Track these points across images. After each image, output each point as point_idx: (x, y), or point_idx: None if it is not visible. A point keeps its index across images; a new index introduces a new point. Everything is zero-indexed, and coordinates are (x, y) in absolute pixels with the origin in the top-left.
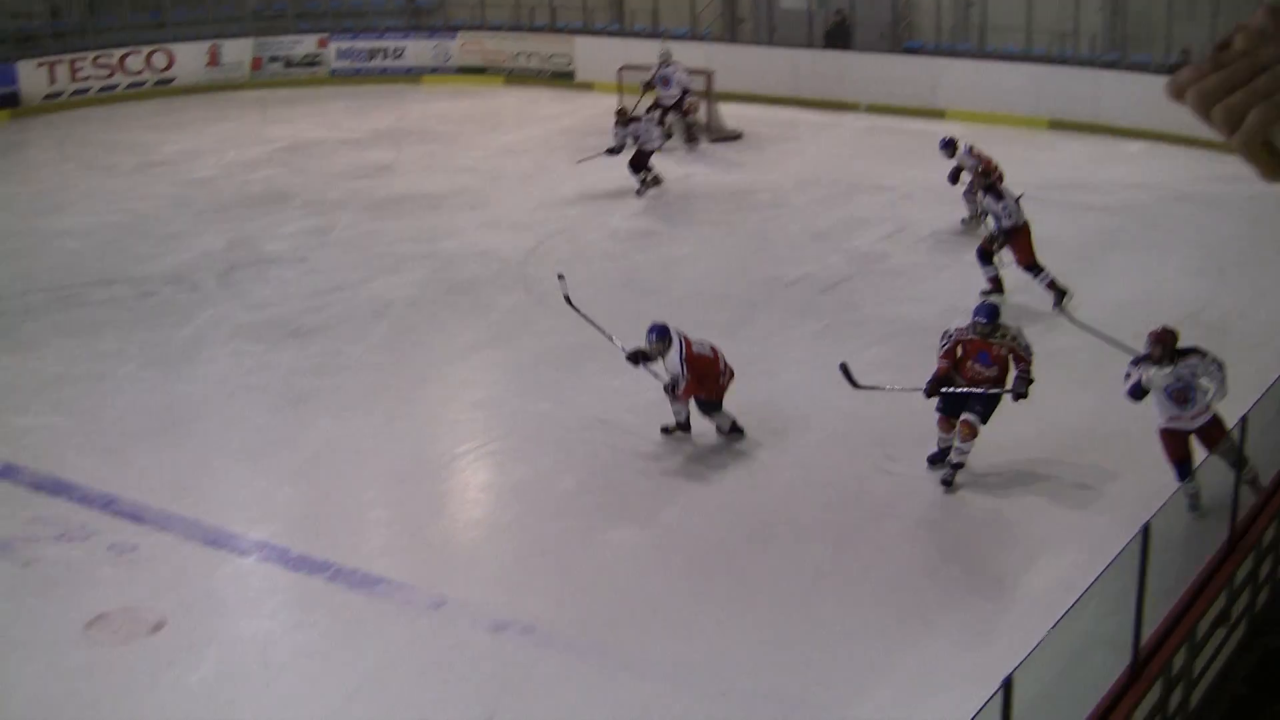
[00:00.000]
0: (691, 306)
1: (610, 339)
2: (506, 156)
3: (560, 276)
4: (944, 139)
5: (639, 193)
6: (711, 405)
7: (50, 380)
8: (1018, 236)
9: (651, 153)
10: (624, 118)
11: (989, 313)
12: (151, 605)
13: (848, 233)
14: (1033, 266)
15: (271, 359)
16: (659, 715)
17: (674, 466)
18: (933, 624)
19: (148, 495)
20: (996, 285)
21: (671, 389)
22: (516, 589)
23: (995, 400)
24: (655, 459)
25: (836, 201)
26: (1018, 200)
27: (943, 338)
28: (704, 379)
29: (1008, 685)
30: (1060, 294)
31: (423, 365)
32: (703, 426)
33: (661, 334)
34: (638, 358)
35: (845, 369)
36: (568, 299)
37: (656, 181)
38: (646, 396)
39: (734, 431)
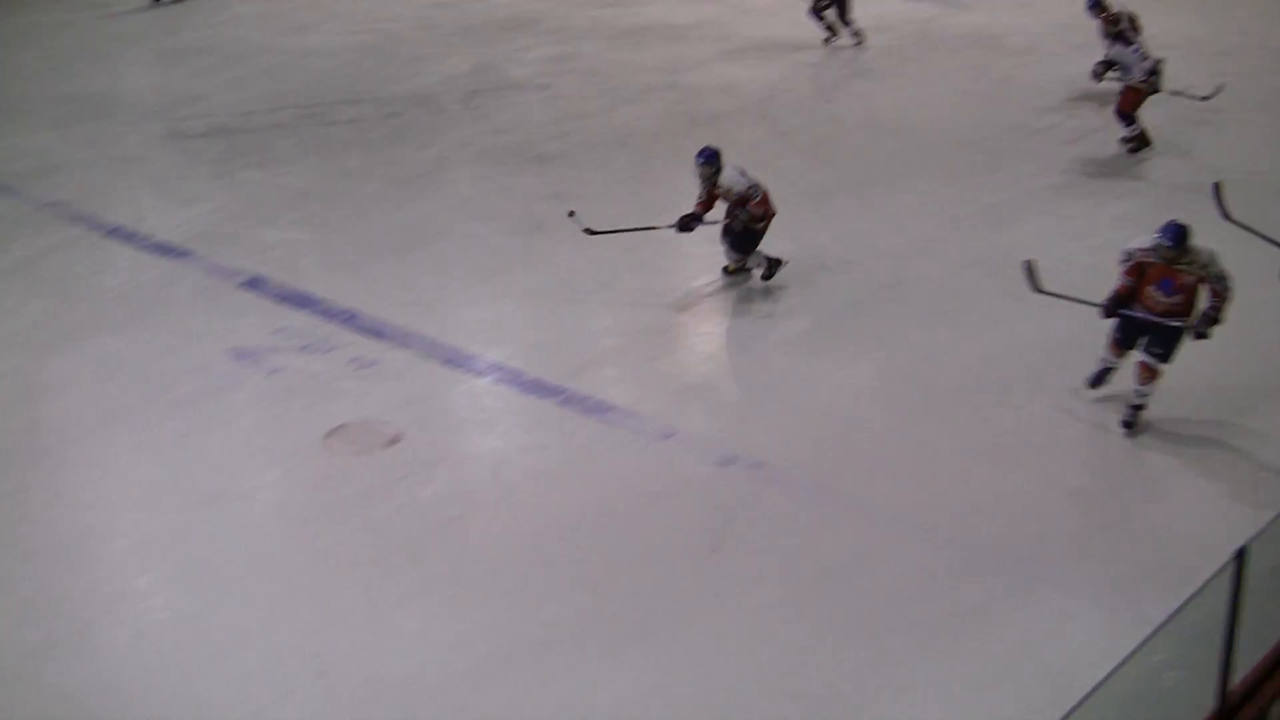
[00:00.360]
0: (936, 149)
1: (652, 228)
2: None
3: (571, 214)
4: None
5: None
6: (753, 239)
7: (297, 196)
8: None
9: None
10: None
11: (1175, 235)
12: (388, 420)
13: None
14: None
15: (512, 183)
16: (884, 559)
17: (905, 308)
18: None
19: (388, 312)
20: (1141, 140)
21: (742, 204)
22: (746, 424)
23: (1177, 336)
24: (890, 298)
25: (1091, 50)
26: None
27: (1123, 256)
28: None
29: (1240, 555)
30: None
31: (663, 197)
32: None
33: (711, 158)
34: (687, 223)
35: (1029, 267)
36: (590, 230)
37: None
38: (888, 240)
39: (773, 267)
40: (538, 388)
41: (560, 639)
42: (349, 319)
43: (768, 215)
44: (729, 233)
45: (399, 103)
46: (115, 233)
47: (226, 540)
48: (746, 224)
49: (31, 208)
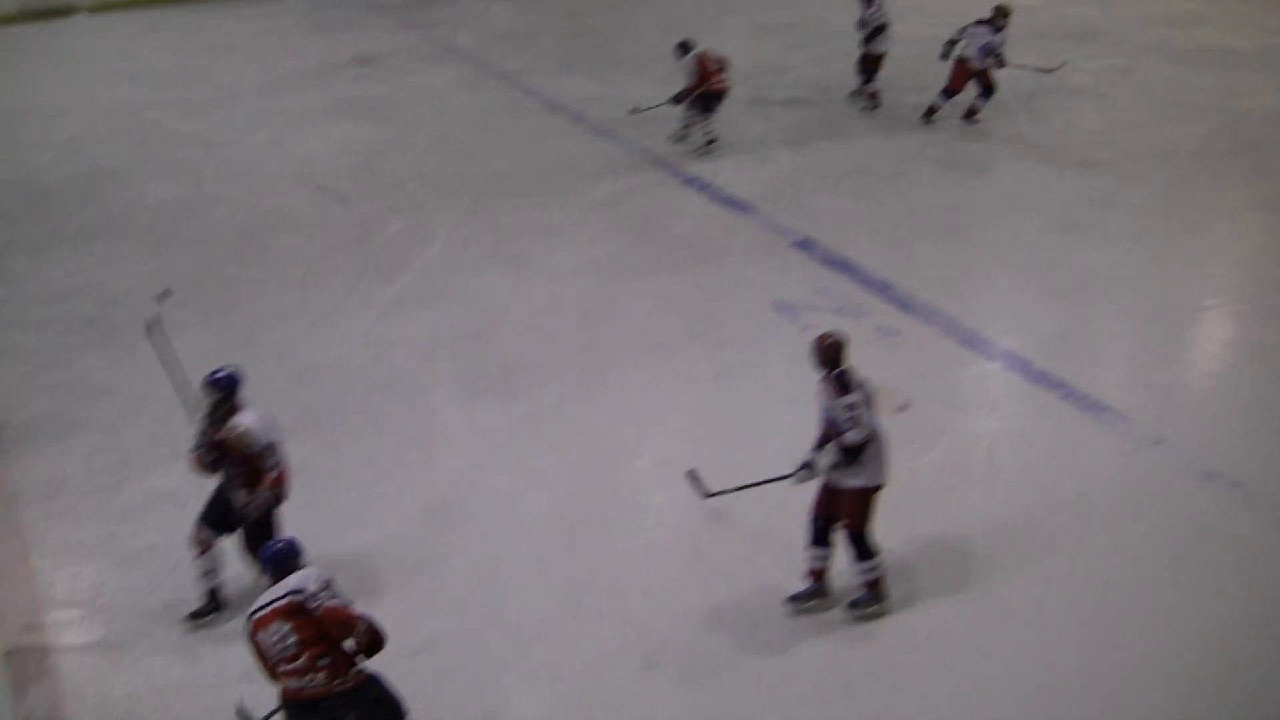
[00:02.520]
0: None
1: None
2: None
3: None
4: None
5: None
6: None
7: (856, 169)
8: None
9: None
10: None
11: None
12: (902, 387)
13: None
14: None
15: (1054, 183)
16: None
17: None
18: None
19: (919, 288)
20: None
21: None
22: (1236, 442)
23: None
24: None
25: None
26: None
27: None
28: None
29: None
30: None
31: (1194, 215)
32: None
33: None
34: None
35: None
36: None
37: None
38: None
39: None
40: (1043, 379)
41: (1019, 612)
42: (883, 289)
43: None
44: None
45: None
46: (691, 182)
47: (739, 472)
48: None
49: (624, 151)
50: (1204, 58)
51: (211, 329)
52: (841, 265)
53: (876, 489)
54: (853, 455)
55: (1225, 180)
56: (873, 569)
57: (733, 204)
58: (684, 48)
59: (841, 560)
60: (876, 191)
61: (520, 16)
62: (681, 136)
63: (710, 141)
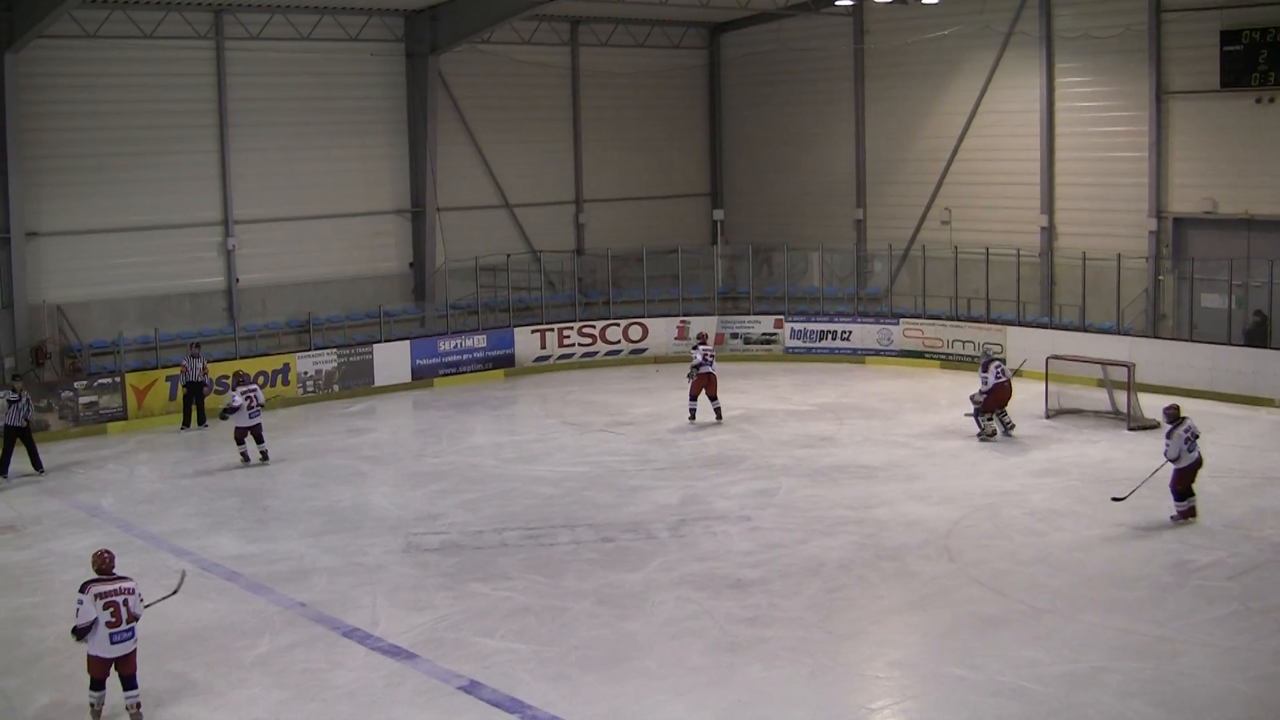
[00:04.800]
0: (1101, 585)
1: None
2: (939, 435)
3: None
4: None
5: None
6: None
7: (516, 609)
8: None
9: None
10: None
11: None
12: None
13: (1259, 521)
14: None
15: (712, 606)
16: None
17: None
18: None
19: None
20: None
21: None
22: None
23: None
24: None
25: (1248, 492)
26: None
27: None
28: None
29: None
30: None
31: (849, 623)
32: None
33: None
34: None
35: None
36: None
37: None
38: (1057, 669)
39: None
40: None
41: None
42: None
43: None
44: None
45: (614, 528)
46: (352, 633)
47: None
48: None
49: (281, 607)
50: (838, 473)
51: None
52: (511, 705)
53: None
54: None
55: (874, 587)
56: None
57: (395, 652)
58: None
59: None
60: (538, 630)
61: (165, 479)
62: None
63: None
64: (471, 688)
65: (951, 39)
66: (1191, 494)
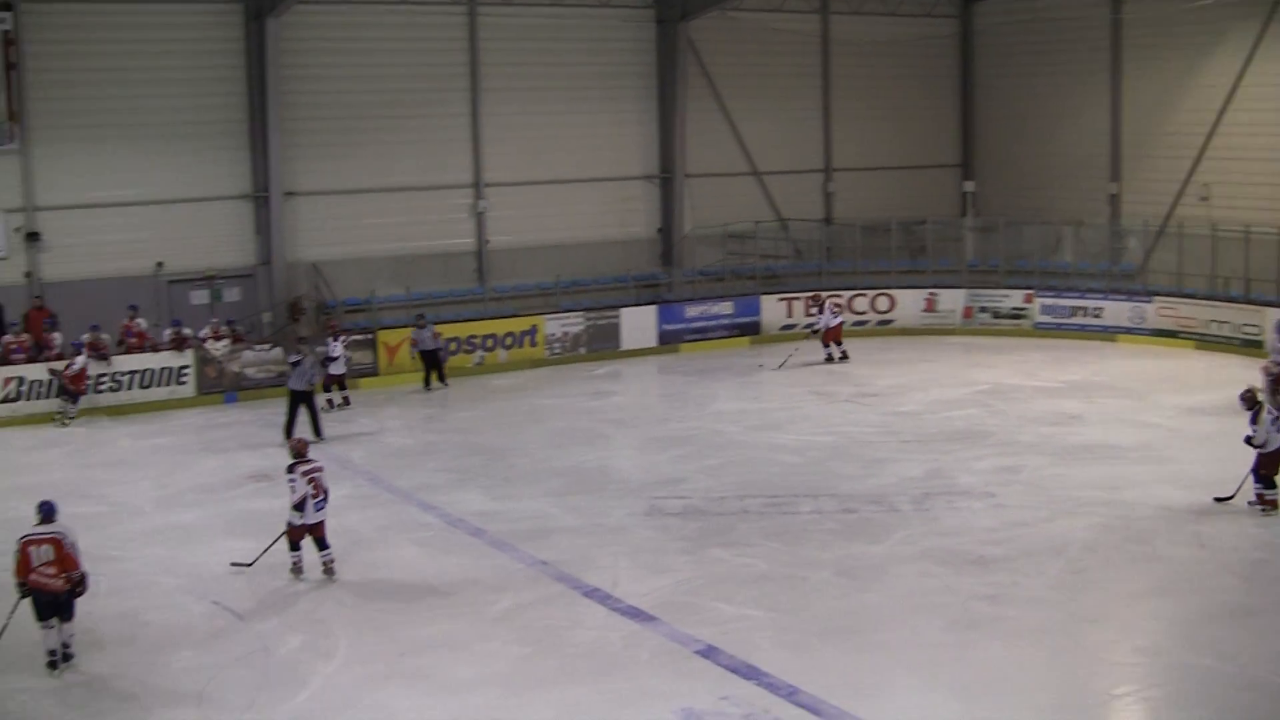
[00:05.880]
0: None
1: None
2: (1191, 416)
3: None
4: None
5: None
6: None
7: (756, 576)
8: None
9: None
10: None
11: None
12: None
13: None
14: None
15: (953, 582)
16: None
17: None
18: None
19: (826, 691)
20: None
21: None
22: None
23: None
24: None
25: None
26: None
27: None
28: None
29: None
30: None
31: (1093, 606)
32: None
33: None
34: None
35: None
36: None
37: None
38: None
39: None
40: None
41: None
42: (790, 693)
43: None
44: None
45: (857, 499)
46: (592, 594)
47: None
48: None
49: (523, 564)
50: (1085, 453)
51: None
52: (747, 671)
53: None
54: None
55: (1119, 570)
56: None
57: (635, 614)
58: None
59: None
60: (777, 598)
61: (414, 434)
62: None
63: None
64: (709, 652)
65: (1214, 8)
66: (1274, 485)
